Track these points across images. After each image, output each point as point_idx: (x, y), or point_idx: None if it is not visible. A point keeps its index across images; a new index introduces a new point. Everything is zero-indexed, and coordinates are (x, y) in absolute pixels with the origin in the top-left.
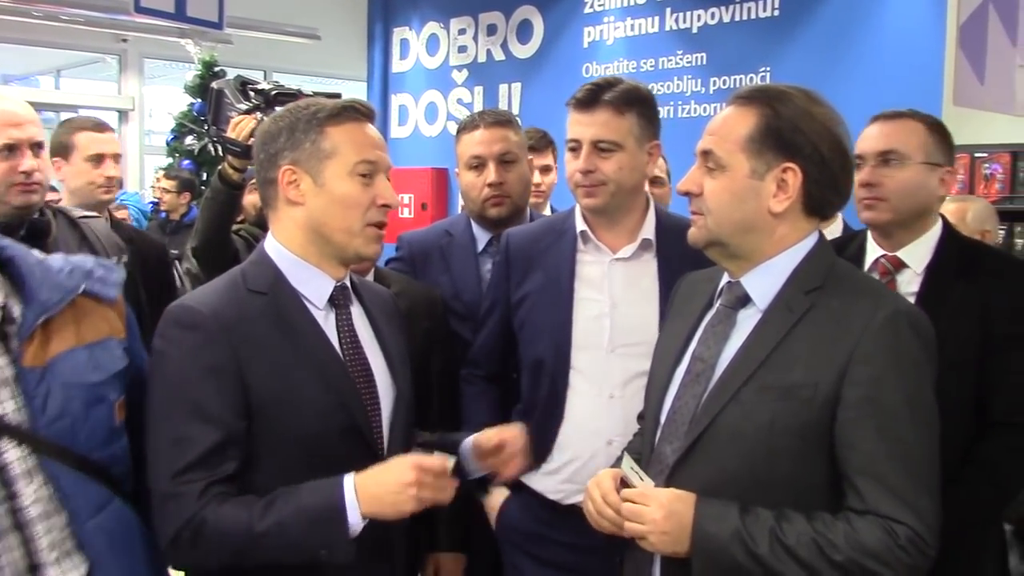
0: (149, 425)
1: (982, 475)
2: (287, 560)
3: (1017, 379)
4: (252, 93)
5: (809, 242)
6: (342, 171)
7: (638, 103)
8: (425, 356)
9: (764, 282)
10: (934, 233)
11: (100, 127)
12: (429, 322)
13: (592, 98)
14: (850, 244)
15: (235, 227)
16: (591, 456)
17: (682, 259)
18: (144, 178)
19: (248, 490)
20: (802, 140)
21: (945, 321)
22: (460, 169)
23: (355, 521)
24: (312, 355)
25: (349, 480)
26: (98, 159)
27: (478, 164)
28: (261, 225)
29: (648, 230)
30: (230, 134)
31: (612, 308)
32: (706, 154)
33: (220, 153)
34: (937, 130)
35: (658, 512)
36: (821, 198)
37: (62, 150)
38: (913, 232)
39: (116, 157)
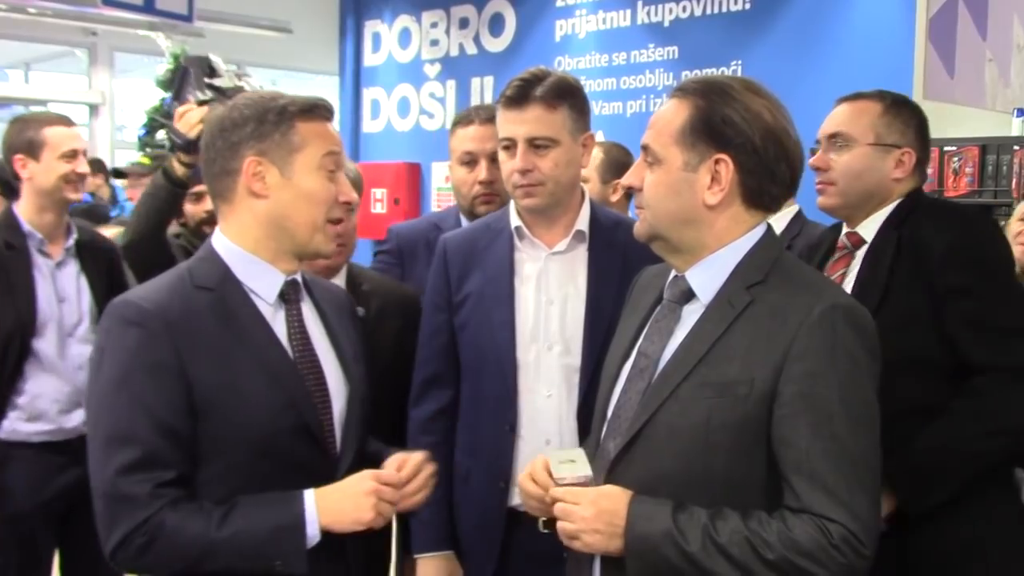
0: (90, 421)
1: (967, 405)
2: (238, 569)
3: (985, 327)
4: (212, 90)
5: (755, 235)
6: (310, 165)
7: (569, 95)
8: (395, 354)
9: (707, 276)
10: (894, 203)
11: (69, 122)
12: (401, 321)
13: (522, 95)
14: (836, 228)
15: (175, 231)
16: (528, 456)
17: (613, 250)
18: None
19: (197, 491)
20: (732, 131)
21: (885, 275)
22: (452, 163)
23: (312, 534)
24: (259, 353)
25: (310, 494)
26: (73, 155)
27: (470, 160)
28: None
29: (582, 222)
30: (176, 124)
31: (548, 304)
32: (645, 148)
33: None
34: (896, 110)
35: (588, 510)
36: (759, 189)
37: (29, 147)
38: (869, 211)
39: (85, 153)
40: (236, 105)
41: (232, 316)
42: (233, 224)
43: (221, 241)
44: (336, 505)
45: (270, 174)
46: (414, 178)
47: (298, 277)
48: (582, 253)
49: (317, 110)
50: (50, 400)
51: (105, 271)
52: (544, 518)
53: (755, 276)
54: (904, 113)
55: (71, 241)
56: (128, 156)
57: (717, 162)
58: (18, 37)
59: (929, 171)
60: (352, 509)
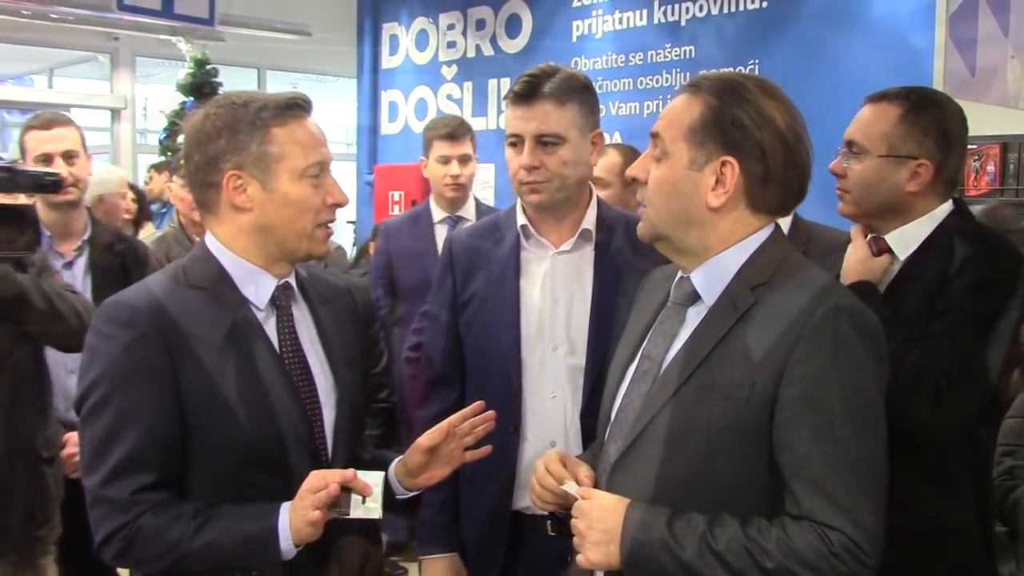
0: (81, 422)
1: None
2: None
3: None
4: None
5: (761, 236)
6: (292, 175)
7: (579, 92)
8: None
9: (712, 277)
10: (928, 219)
11: (49, 123)
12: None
13: (531, 90)
14: None
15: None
16: (533, 457)
17: (620, 250)
18: (137, 177)
19: (189, 493)
20: (741, 134)
21: (906, 308)
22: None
23: (287, 548)
24: (251, 357)
25: (285, 507)
26: (45, 159)
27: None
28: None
29: (589, 221)
30: None
31: (553, 305)
32: (655, 136)
33: None
34: (915, 116)
35: (581, 522)
36: (764, 195)
37: (21, 150)
38: (894, 222)
39: (68, 154)
40: (208, 114)
41: (225, 317)
42: (221, 231)
43: (215, 243)
44: (292, 518)
45: (251, 187)
46: None
47: (291, 280)
48: (588, 253)
49: (292, 110)
50: (58, 398)
51: (116, 270)
52: (551, 520)
53: (760, 277)
54: (924, 120)
55: (83, 239)
56: (150, 159)
57: (723, 164)
58: (42, 43)
59: None
60: (298, 519)
